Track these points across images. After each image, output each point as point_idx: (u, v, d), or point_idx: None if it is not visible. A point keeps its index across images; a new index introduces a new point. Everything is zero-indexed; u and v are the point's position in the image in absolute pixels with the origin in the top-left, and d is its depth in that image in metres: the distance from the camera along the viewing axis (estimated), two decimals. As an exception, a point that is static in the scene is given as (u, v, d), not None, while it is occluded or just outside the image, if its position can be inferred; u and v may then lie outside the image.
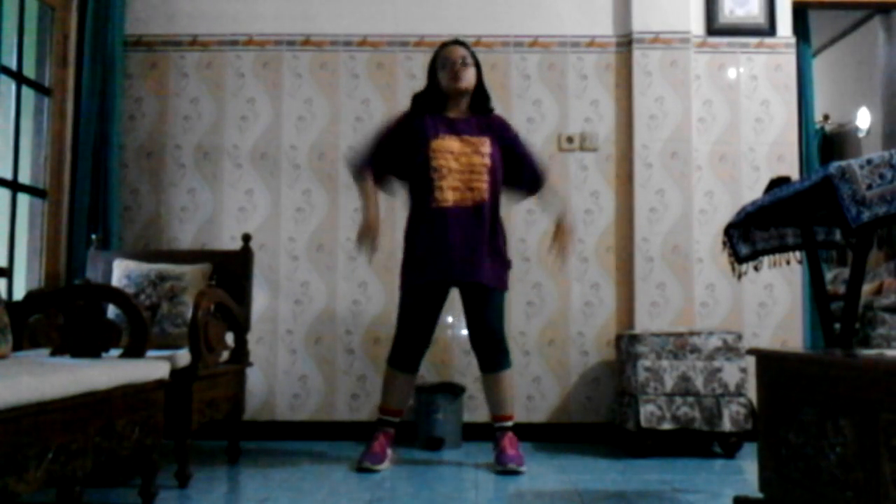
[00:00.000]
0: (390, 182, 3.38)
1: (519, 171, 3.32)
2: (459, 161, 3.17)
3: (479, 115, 3.31)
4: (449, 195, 3.16)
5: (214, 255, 3.48)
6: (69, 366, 2.04)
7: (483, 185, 3.17)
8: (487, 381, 3.27)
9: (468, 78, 3.25)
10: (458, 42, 3.33)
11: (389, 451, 3.23)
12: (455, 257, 3.14)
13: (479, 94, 3.32)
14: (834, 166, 1.78)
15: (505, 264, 3.28)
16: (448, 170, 3.16)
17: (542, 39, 4.05)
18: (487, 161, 3.19)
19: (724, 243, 2.55)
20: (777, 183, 2.26)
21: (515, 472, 3.06)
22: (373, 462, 3.11)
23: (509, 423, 3.25)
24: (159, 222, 3.96)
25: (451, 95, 3.26)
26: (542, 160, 3.46)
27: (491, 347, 3.22)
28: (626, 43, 4.02)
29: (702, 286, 3.94)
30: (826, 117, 6.18)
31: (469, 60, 3.26)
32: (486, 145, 3.21)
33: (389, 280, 3.93)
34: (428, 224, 3.19)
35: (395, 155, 3.27)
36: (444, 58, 3.26)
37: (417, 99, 3.34)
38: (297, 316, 3.93)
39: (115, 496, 2.63)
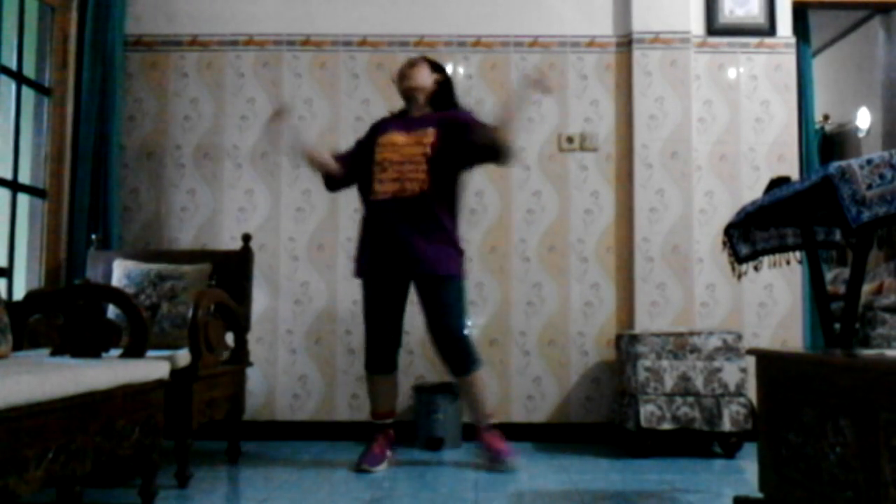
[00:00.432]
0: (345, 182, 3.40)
1: (469, 138, 3.19)
2: (400, 152, 3.19)
3: (439, 111, 3.32)
4: (387, 187, 3.17)
5: (214, 255, 3.48)
6: (69, 366, 2.04)
7: (420, 174, 3.14)
8: (459, 385, 3.27)
9: (415, 76, 3.29)
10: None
11: (389, 453, 3.23)
12: (397, 249, 3.14)
13: (442, 95, 3.33)
14: (834, 166, 1.78)
15: (456, 251, 3.21)
16: (389, 162, 3.19)
17: (542, 39, 4.05)
18: (427, 150, 3.17)
19: (724, 243, 2.55)
20: (777, 183, 2.26)
21: (507, 466, 3.09)
22: (371, 463, 3.11)
23: (492, 421, 3.26)
24: (159, 222, 3.96)
25: (406, 98, 3.32)
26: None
27: (451, 350, 3.16)
28: (626, 43, 4.02)
29: (702, 286, 3.94)
30: (826, 117, 6.17)
31: (418, 62, 3.32)
32: (428, 136, 3.21)
33: (389, 280, 3.93)
34: (370, 217, 3.23)
35: (357, 160, 3.34)
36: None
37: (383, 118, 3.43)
38: (297, 316, 3.93)
39: (115, 496, 2.63)
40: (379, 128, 3.34)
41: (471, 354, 3.20)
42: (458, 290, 3.21)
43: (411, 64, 3.34)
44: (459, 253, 3.24)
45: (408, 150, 3.19)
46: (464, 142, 3.19)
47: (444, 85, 3.35)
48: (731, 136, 4.03)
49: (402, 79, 3.32)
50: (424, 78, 3.30)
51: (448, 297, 3.17)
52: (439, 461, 3.35)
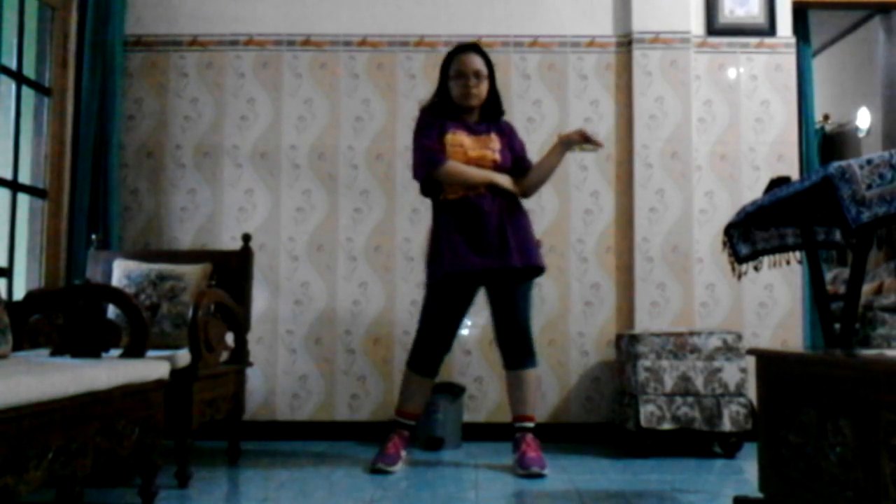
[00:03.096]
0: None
1: (513, 170, 3.28)
2: (469, 155, 3.16)
3: (490, 120, 3.29)
4: (459, 188, 3.15)
5: (214, 255, 3.48)
6: (69, 366, 2.04)
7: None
8: (511, 378, 3.23)
9: (480, 95, 3.22)
10: (473, 49, 3.25)
11: (403, 453, 3.21)
12: (474, 246, 3.12)
13: (491, 103, 3.29)
14: (834, 166, 1.78)
15: (534, 242, 3.23)
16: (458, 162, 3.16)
17: (542, 39, 4.05)
18: (497, 157, 3.19)
19: (724, 243, 2.55)
20: (777, 183, 2.26)
21: (538, 476, 3.01)
22: (387, 463, 3.09)
23: (530, 425, 3.20)
24: (159, 222, 3.96)
25: (461, 107, 3.24)
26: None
27: (517, 344, 3.19)
28: (626, 43, 4.02)
29: (702, 286, 3.94)
30: (826, 117, 6.17)
31: (483, 74, 3.21)
32: (495, 142, 3.22)
33: (389, 280, 3.93)
34: (442, 217, 3.19)
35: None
36: (458, 70, 3.21)
37: (429, 111, 3.27)
38: (297, 316, 3.93)
39: (115, 496, 2.63)
40: (442, 125, 3.21)
41: (532, 352, 3.22)
42: (532, 289, 3.24)
43: (478, 77, 3.20)
44: (539, 244, 3.30)
45: (476, 153, 3.17)
46: (514, 169, 3.26)
47: (492, 93, 3.29)
48: (731, 136, 4.03)
49: (466, 96, 3.19)
50: (484, 96, 3.24)
51: (523, 294, 3.19)
52: (439, 461, 3.35)
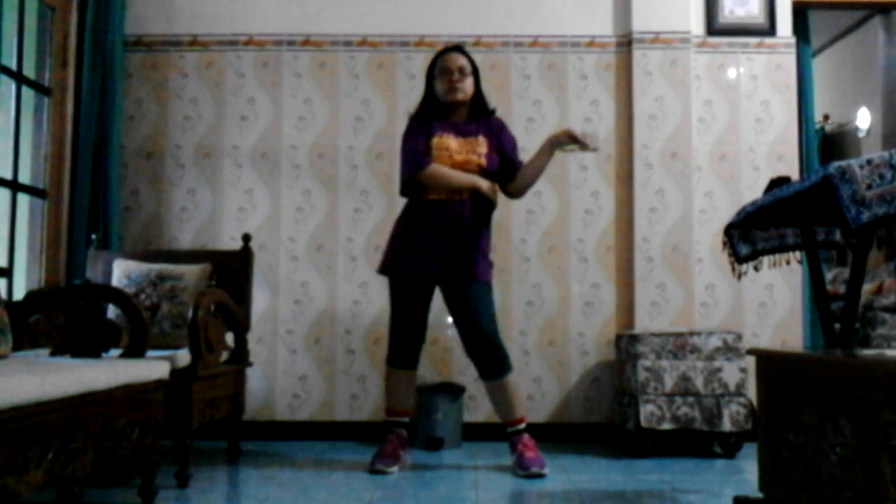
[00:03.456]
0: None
1: (502, 170, 3.28)
2: (454, 159, 3.16)
3: (479, 118, 3.28)
4: (441, 190, 3.15)
5: (214, 255, 3.48)
6: (69, 366, 2.04)
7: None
8: (490, 388, 3.21)
9: (465, 90, 3.22)
10: (456, 49, 3.29)
11: (402, 453, 3.21)
12: (437, 250, 3.12)
13: (478, 101, 3.29)
14: (834, 166, 1.78)
15: (488, 262, 3.22)
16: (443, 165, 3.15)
17: (542, 39, 4.05)
18: (483, 161, 3.19)
19: (724, 243, 2.55)
20: (777, 183, 2.26)
21: (538, 476, 3.00)
22: (386, 464, 3.09)
23: (522, 426, 3.18)
24: (159, 222, 3.96)
25: (448, 105, 3.24)
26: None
27: (487, 353, 3.15)
28: (626, 43, 4.02)
29: (702, 286, 3.94)
30: (826, 117, 6.17)
31: (467, 70, 3.23)
32: (482, 146, 3.21)
33: (389, 280, 3.93)
34: (417, 216, 3.19)
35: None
36: (442, 67, 3.23)
37: (416, 117, 3.27)
38: (297, 316, 3.93)
39: (115, 496, 2.63)
40: (430, 127, 3.22)
41: (504, 358, 3.18)
42: (491, 296, 3.21)
43: (462, 73, 3.21)
44: (491, 265, 3.26)
45: (462, 157, 3.17)
46: (503, 170, 3.26)
47: (478, 92, 3.29)
48: (731, 136, 4.02)
49: (452, 90, 3.20)
50: (469, 92, 3.24)
51: (482, 300, 3.16)
52: (439, 461, 3.35)
